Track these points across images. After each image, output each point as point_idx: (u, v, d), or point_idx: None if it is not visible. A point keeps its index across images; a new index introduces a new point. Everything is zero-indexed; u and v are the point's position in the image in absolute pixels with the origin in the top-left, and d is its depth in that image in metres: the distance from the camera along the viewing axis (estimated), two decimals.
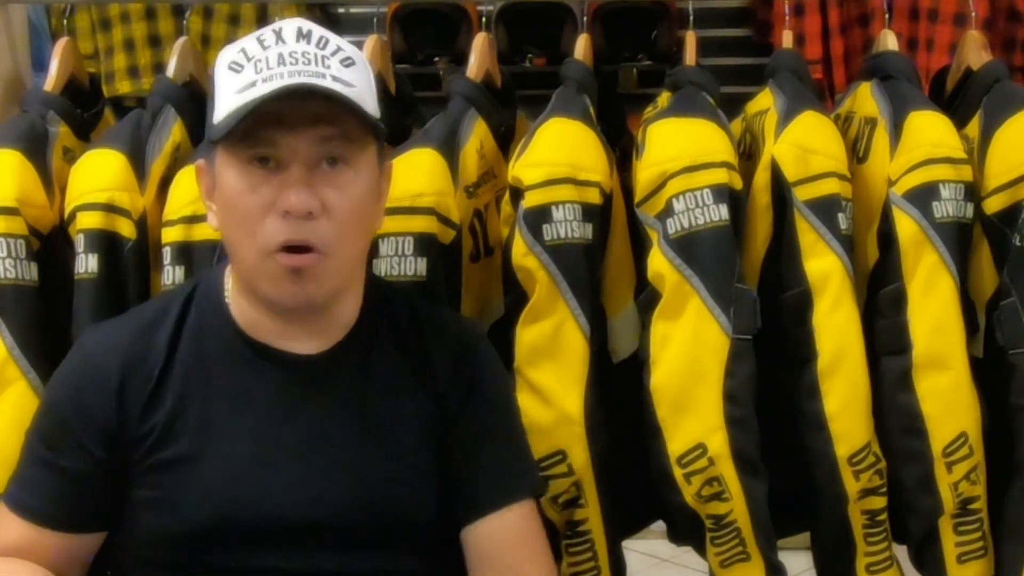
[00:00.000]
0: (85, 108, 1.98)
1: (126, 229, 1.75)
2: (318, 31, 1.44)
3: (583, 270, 1.74)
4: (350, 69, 1.42)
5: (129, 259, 1.75)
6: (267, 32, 1.43)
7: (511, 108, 2.02)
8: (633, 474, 1.82)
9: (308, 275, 1.41)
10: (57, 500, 1.48)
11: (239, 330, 1.49)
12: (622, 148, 2.00)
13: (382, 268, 1.71)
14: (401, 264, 1.72)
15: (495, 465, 1.53)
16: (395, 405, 1.51)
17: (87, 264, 1.73)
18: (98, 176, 1.77)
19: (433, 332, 1.56)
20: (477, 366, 1.57)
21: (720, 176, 1.73)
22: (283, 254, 1.39)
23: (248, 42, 1.43)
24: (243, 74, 1.40)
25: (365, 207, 1.45)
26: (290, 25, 1.43)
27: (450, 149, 1.80)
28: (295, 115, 1.38)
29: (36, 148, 1.82)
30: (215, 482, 1.45)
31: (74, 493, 1.48)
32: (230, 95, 1.40)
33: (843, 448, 1.74)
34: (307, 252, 1.40)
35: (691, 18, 2.09)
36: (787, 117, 1.80)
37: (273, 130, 1.38)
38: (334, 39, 1.44)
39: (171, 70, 1.97)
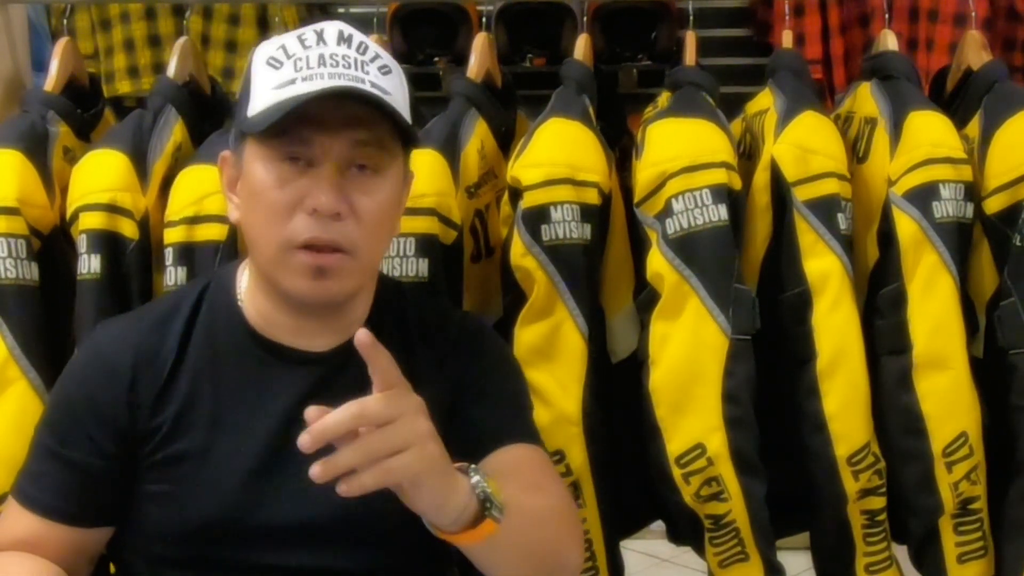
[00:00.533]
0: (85, 108, 1.98)
1: (128, 230, 1.75)
2: (358, 36, 1.45)
3: (581, 270, 1.74)
4: (387, 77, 1.43)
5: (131, 260, 1.75)
6: (308, 32, 1.43)
7: (511, 108, 2.03)
8: (632, 474, 1.82)
9: (331, 274, 1.42)
10: (66, 494, 1.48)
11: (250, 328, 1.50)
12: (622, 148, 2.01)
13: (383, 269, 1.71)
14: (403, 265, 1.73)
15: (497, 415, 1.51)
16: None
17: (89, 264, 1.74)
18: (100, 176, 1.77)
19: (439, 327, 1.56)
20: (480, 344, 1.57)
21: (719, 176, 1.73)
22: (307, 252, 1.40)
23: (288, 39, 1.44)
24: (282, 71, 1.41)
25: (391, 213, 1.47)
26: (332, 27, 1.44)
27: (451, 149, 1.80)
28: (332, 117, 1.39)
29: (36, 148, 1.82)
30: (223, 478, 1.46)
31: (83, 487, 1.48)
32: (267, 90, 1.41)
33: (842, 448, 1.74)
34: (332, 252, 1.41)
35: (691, 18, 2.09)
36: (787, 117, 1.81)
37: (309, 129, 1.39)
38: (373, 45, 1.45)
39: (171, 70, 1.98)
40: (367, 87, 1.40)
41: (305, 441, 1.17)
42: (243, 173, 1.45)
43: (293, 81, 1.40)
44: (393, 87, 1.43)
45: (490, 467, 1.42)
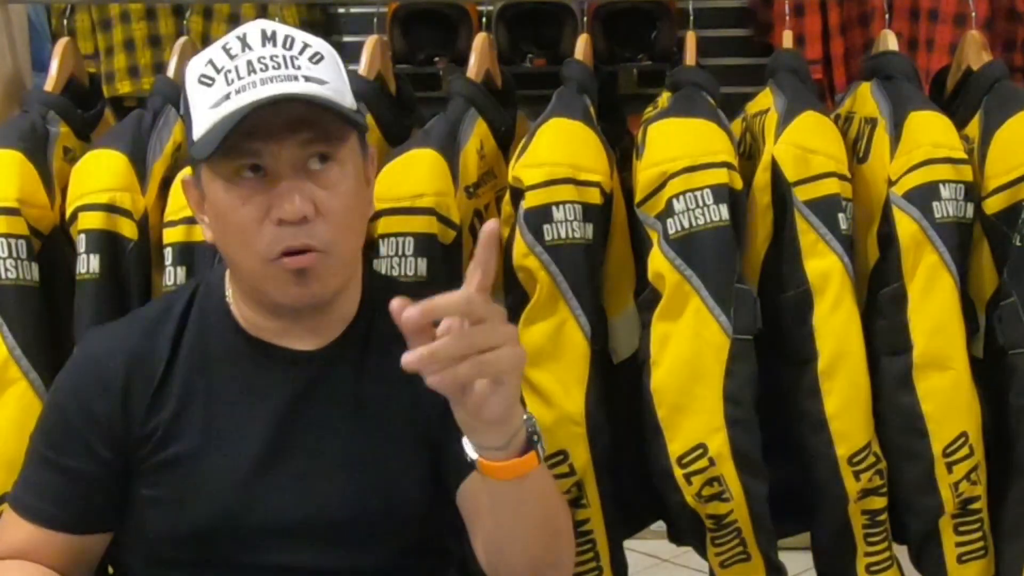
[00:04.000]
0: (85, 108, 1.98)
1: (128, 230, 1.75)
2: (283, 30, 1.43)
3: (583, 270, 1.74)
4: (320, 65, 1.41)
5: (131, 259, 1.75)
6: (231, 39, 1.42)
7: (511, 108, 2.02)
8: (634, 474, 1.82)
9: (312, 274, 1.41)
10: (63, 501, 1.48)
11: (240, 329, 1.50)
12: (622, 148, 2.00)
13: (382, 268, 1.71)
14: (401, 264, 1.72)
15: None
16: (391, 399, 1.50)
17: (89, 264, 1.73)
18: (100, 176, 1.77)
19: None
20: None
21: (720, 176, 1.73)
22: (285, 258, 1.40)
23: (214, 52, 1.42)
24: (215, 88, 1.39)
25: (356, 200, 1.45)
26: (254, 28, 1.42)
27: (450, 149, 1.80)
28: (274, 123, 1.37)
29: (36, 148, 1.82)
30: (218, 480, 1.46)
31: (80, 494, 1.48)
32: (204, 111, 1.40)
33: (843, 448, 1.74)
34: (308, 252, 1.40)
35: (691, 18, 2.09)
36: (787, 117, 1.80)
37: (254, 141, 1.37)
38: (300, 36, 1.43)
39: (171, 70, 1.98)
40: (300, 84, 1.39)
41: (413, 315, 1.16)
42: (206, 196, 1.44)
43: (227, 96, 1.38)
44: (328, 73, 1.42)
45: (466, 505, 1.45)
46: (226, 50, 1.41)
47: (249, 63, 1.39)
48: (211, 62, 1.41)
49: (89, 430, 1.47)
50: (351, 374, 1.51)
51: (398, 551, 1.51)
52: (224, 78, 1.39)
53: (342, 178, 1.42)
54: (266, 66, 1.39)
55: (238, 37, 1.42)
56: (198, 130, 1.41)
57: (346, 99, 1.43)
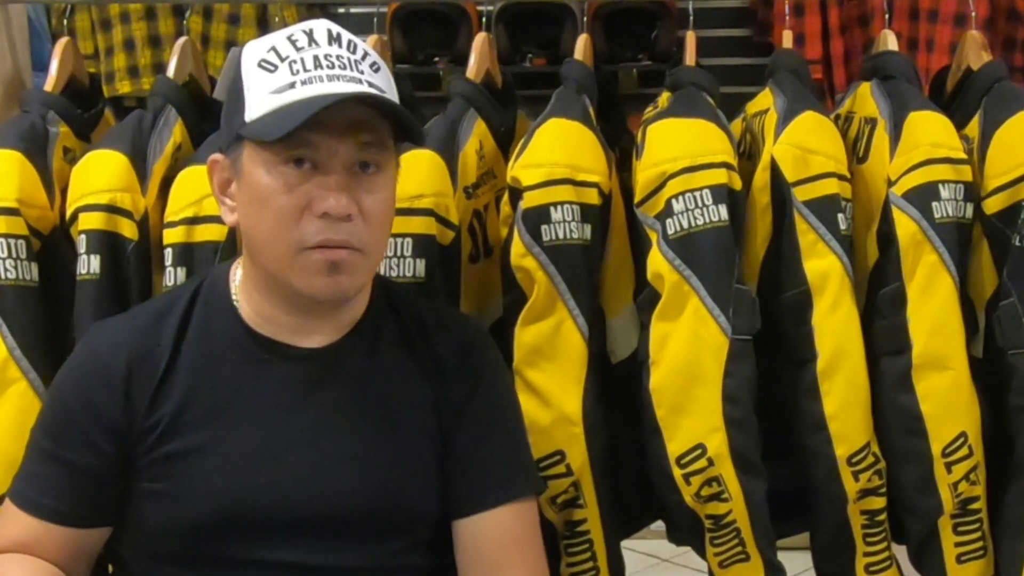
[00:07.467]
0: (85, 108, 1.98)
1: (128, 230, 1.75)
2: (347, 35, 1.46)
3: (582, 271, 1.74)
4: (379, 74, 1.45)
5: (131, 260, 1.75)
6: (297, 32, 1.44)
7: (511, 108, 2.02)
8: (632, 474, 1.82)
9: (343, 269, 1.43)
10: (63, 495, 1.49)
11: (246, 326, 1.50)
12: (622, 148, 2.00)
13: (381, 269, 1.71)
14: (400, 265, 1.73)
15: (493, 462, 1.54)
16: (400, 397, 1.52)
17: (89, 265, 1.74)
18: (100, 177, 1.77)
19: (437, 328, 1.57)
20: (481, 361, 1.58)
21: (719, 177, 1.73)
22: (319, 250, 1.41)
23: (278, 40, 1.44)
24: (278, 74, 1.41)
25: (392, 208, 1.50)
26: (320, 26, 1.45)
27: (449, 150, 1.80)
28: (336, 120, 1.40)
29: (36, 148, 1.82)
30: (220, 475, 1.47)
31: (80, 488, 1.49)
32: (264, 95, 1.41)
33: (842, 448, 1.74)
34: (343, 248, 1.42)
35: (691, 18, 2.09)
36: (787, 117, 1.81)
37: (314, 133, 1.39)
38: (361, 44, 1.47)
39: (171, 70, 1.98)
40: (365, 87, 1.41)
41: None
42: (242, 177, 1.45)
43: (292, 85, 1.40)
44: (386, 84, 1.45)
45: (466, 545, 1.51)
46: (291, 40, 1.43)
47: (316, 58, 1.42)
48: (274, 49, 1.43)
49: (90, 423, 1.48)
50: (356, 372, 1.52)
51: (400, 548, 1.51)
52: (288, 67, 1.41)
53: (384, 185, 1.46)
54: (332, 64, 1.42)
55: (304, 31, 1.44)
56: (254, 112, 1.42)
57: (402, 112, 1.46)
